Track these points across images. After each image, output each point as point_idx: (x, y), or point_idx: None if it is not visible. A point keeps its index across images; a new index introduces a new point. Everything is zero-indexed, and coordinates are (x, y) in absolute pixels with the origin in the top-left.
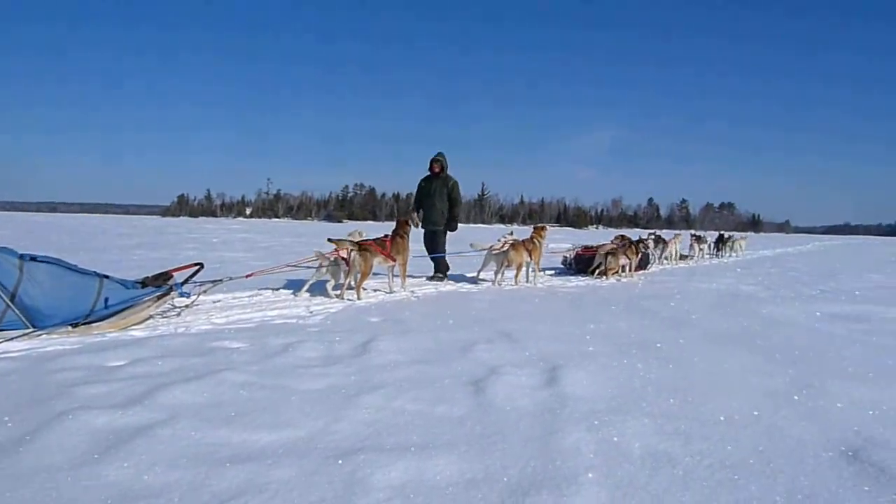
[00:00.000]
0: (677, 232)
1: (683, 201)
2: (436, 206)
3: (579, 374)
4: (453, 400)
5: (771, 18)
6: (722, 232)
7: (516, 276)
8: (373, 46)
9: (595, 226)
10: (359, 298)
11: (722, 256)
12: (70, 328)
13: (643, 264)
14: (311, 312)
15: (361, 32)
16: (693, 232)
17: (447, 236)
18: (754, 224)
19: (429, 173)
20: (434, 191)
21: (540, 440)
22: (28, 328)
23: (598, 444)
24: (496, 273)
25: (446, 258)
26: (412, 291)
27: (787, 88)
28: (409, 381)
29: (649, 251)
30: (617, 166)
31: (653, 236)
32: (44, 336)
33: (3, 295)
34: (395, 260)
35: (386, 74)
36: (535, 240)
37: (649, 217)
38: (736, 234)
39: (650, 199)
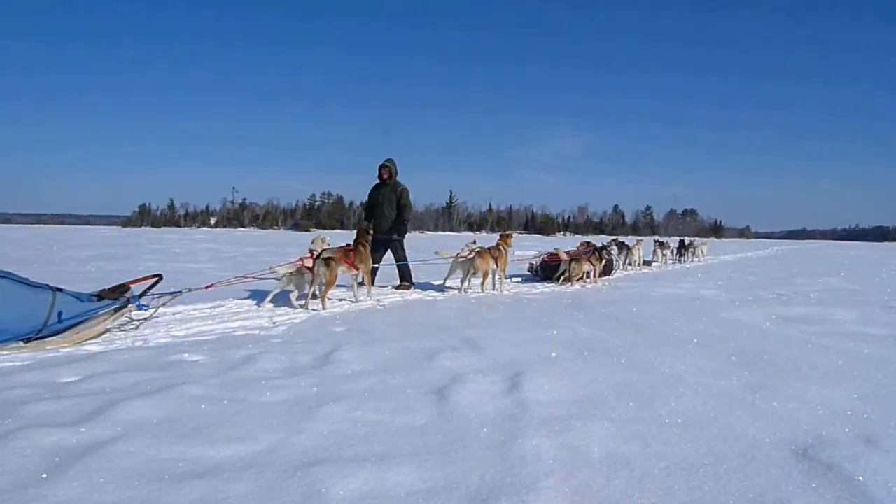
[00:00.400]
0: (639, 238)
1: (648, 208)
2: (385, 214)
3: (541, 380)
4: (415, 409)
5: (728, 22)
6: (684, 238)
7: (482, 283)
8: (338, 54)
9: (562, 233)
10: (323, 308)
11: (684, 262)
12: (21, 343)
13: (607, 270)
14: (274, 323)
15: (326, 40)
16: (657, 238)
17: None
18: (716, 230)
19: (378, 181)
20: (383, 198)
21: (500, 447)
22: None
23: (558, 449)
24: (462, 281)
25: (410, 270)
26: (378, 300)
27: (746, 94)
28: (372, 391)
29: (613, 257)
30: (583, 174)
31: (615, 243)
32: None
33: None
34: (357, 269)
35: (351, 82)
36: (500, 247)
37: (615, 223)
38: (697, 240)
39: (615, 206)
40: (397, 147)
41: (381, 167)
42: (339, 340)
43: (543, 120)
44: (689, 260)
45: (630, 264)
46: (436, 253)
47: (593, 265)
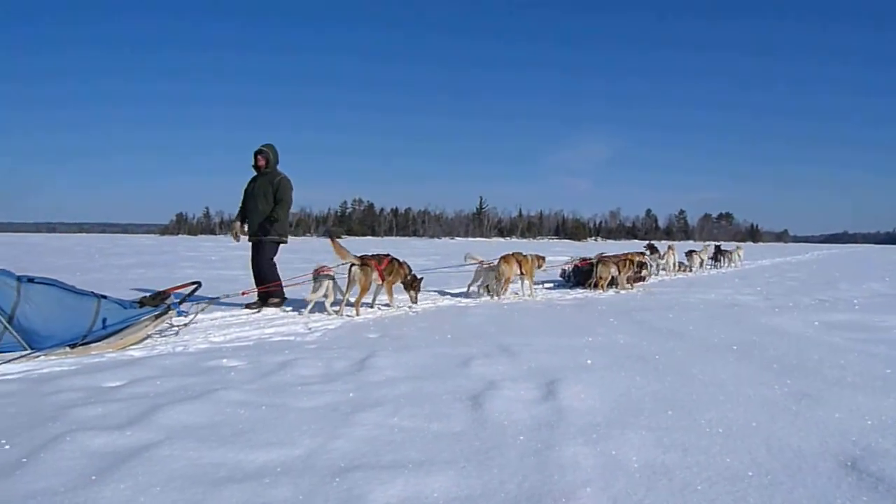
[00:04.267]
0: (670, 243)
1: (681, 212)
2: (258, 209)
3: (577, 388)
4: (451, 415)
5: (765, 27)
6: (719, 243)
7: (504, 288)
8: (368, 61)
9: (594, 238)
10: (357, 314)
11: (720, 267)
12: (68, 349)
13: (641, 277)
14: (310, 329)
15: (357, 47)
16: (691, 249)
17: (278, 248)
18: (752, 234)
19: (254, 172)
20: (257, 191)
21: (538, 454)
22: (26, 350)
23: (596, 457)
24: (488, 287)
25: (279, 279)
26: (409, 307)
27: (784, 97)
28: (407, 397)
29: (647, 263)
30: (615, 178)
31: (649, 247)
32: (41, 357)
33: (0, 317)
34: (383, 280)
35: (382, 89)
36: (529, 256)
37: (647, 228)
38: (732, 245)
39: (648, 211)
40: (427, 153)
41: (255, 153)
42: (373, 346)
43: (574, 124)
44: (726, 265)
45: (664, 269)
46: (465, 256)
47: (620, 269)
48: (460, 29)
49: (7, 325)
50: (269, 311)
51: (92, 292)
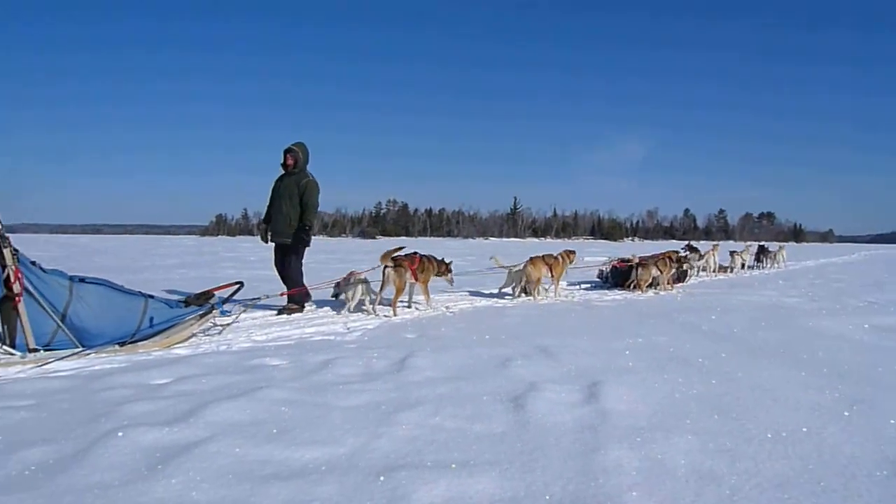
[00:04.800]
0: (715, 243)
1: (721, 212)
2: (283, 210)
3: (619, 390)
4: (492, 416)
5: (810, 28)
6: (763, 243)
7: (534, 290)
8: (401, 63)
9: (631, 238)
10: (394, 314)
11: (763, 268)
12: (117, 347)
13: (681, 277)
14: (349, 329)
15: (388, 49)
16: (733, 250)
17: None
18: (796, 234)
19: (282, 171)
20: (283, 191)
21: (581, 457)
22: (77, 347)
23: (641, 461)
24: (514, 288)
25: (305, 283)
26: (447, 307)
27: (827, 95)
28: (448, 397)
29: (687, 264)
30: (652, 177)
31: (688, 248)
32: (92, 355)
33: (53, 315)
34: (417, 279)
35: (416, 91)
36: (559, 256)
37: (686, 228)
38: (775, 245)
39: (686, 210)
40: (461, 154)
41: (285, 152)
42: (411, 347)
43: (610, 123)
44: (769, 266)
45: (704, 270)
46: (490, 258)
47: (661, 271)
48: (496, 30)
49: (60, 324)
50: (306, 311)
51: (140, 292)
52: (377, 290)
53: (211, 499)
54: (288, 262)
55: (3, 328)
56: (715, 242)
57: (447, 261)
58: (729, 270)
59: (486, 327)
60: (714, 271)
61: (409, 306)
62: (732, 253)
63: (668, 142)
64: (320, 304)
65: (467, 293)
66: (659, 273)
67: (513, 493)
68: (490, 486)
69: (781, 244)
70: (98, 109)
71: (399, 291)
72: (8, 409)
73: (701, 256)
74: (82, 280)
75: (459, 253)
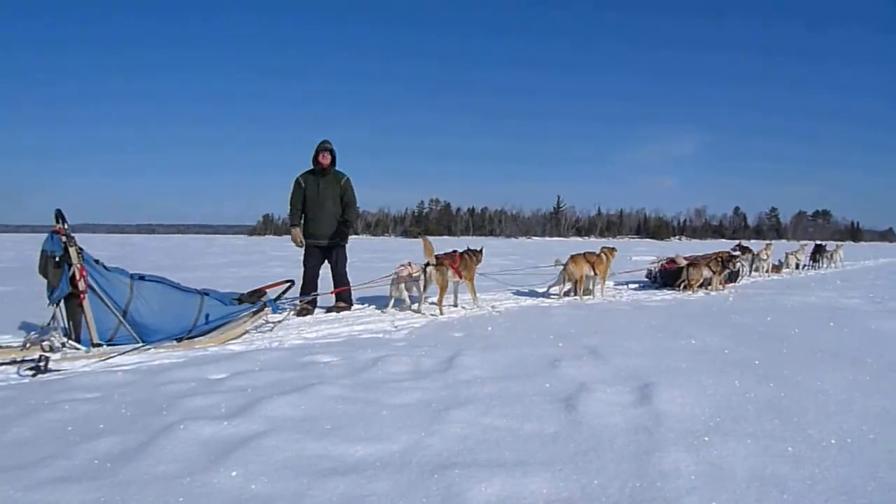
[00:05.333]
0: (768, 242)
1: (773, 210)
2: (330, 211)
3: (673, 392)
4: (543, 417)
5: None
6: (818, 242)
7: (578, 289)
8: (445, 63)
9: (678, 237)
10: (441, 313)
11: (819, 268)
12: (175, 343)
13: (733, 277)
14: (396, 327)
15: (432, 49)
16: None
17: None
18: (853, 232)
19: (313, 168)
20: (324, 192)
21: (636, 459)
22: (138, 343)
23: (699, 465)
24: (560, 287)
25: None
26: (493, 306)
27: (883, 90)
28: (497, 396)
29: (739, 264)
30: (700, 174)
31: (740, 247)
32: (152, 350)
33: (116, 312)
34: (461, 276)
35: (459, 90)
36: (602, 254)
37: (736, 227)
38: (832, 244)
39: (736, 209)
40: (503, 153)
41: (321, 150)
42: (459, 345)
43: (657, 120)
44: (825, 266)
45: (757, 270)
46: (556, 261)
47: (713, 271)
48: (538, 30)
49: (122, 320)
50: (354, 309)
51: (196, 290)
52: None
53: (270, 492)
54: (337, 261)
55: (69, 324)
56: (767, 241)
57: (478, 249)
58: (783, 270)
59: (532, 327)
60: (767, 271)
61: (455, 305)
62: (787, 254)
63: (718, 138)
64: (368, 302)
65: (512, 293)
66: (711, 273)
67: (568, 494)
68: (545, 487)
69: (839, 243)
70: (147, 112)
71: (443, 290)
72: (76, 402)
73: (754, 256)
74: (142, 278)
75: (502, 252)
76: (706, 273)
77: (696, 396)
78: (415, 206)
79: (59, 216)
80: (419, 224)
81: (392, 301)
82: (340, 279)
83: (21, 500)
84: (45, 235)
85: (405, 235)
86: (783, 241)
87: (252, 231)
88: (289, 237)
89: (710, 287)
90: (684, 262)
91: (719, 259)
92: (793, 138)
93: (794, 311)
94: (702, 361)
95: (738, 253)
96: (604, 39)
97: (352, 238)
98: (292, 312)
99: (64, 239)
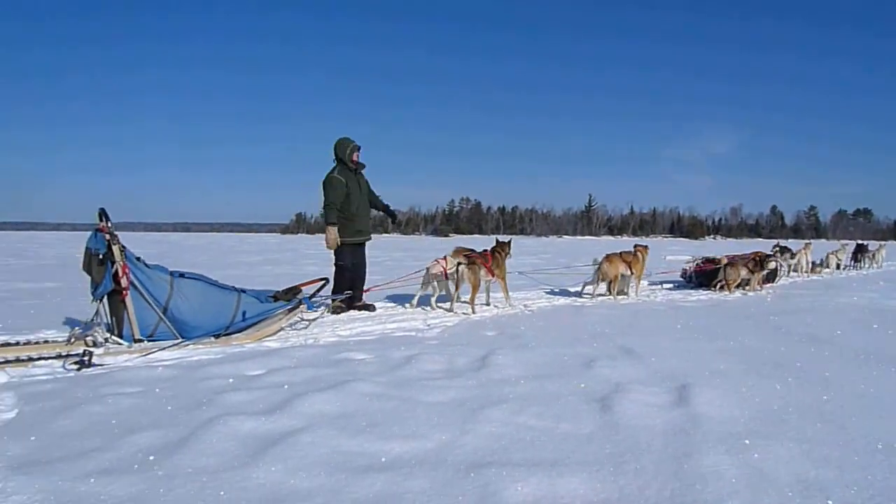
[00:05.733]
0: (807, 241)
1: (812, 208)
2: (368, 209)
3: (711, 394)
4: (579, 417)
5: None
6: (860, 241)
7: (612, 289)
8: (475, 60)
9: (712, 236)
10: (473, 312)
11: (860, 268)
12: (213, 339)
13: (770, 278)
14: (429, 325)
15: (464, 45)
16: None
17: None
18: None
19: (346, 166)
20: (363, 190)
21: (675, 462)
22: (177, 339)
23: (740, 468)
24: (593, 286)
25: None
26: (525, 305)
27: None
28: (532, 396)
29: (777, 263)
30: (736, 172)
31: (778, 247)
32: (190, 346)
33: (156, 308)
34: (493, 275)
35: (489, 88)
36: (638, 252)
37: (773, 226)
38: (875, 244)
39: (773, 207)
40: (534, 152)
41: (356, 148)
42: (492, 344)
43: (691, 117)
44: (867, 266)
45: (796, 271)
46: (594, 260)
47: (751, 271)
48: (572, 27)
49: (162, 316)
50: (387, 307)
51: (233, 287)
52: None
53: (309, 487)
54: (365, 260)
55: (111, 320)
56: (807, 241)
57: (506, 240)
58: (822, 270)
59: (566, 326)
60: (806, 272)
61: (487, 304)
62: (828, 253)
63: (754, 136)
64: (400, 300)
65: (545, 292)
66: (749, 273)
67: (606, 495)
68: (581, 487)
69: (881, 243)
70: (180, 120)
71: (475, 288)
72: (119, 395)
73: (793, 256)
74: (181, 275)
75: (533, 251)
76: (744, 273)
77: (736, 399)
78: (445, 204)
79: (103, 215)
80: (450, 223)
81: (417, 297)
82: (364, 276)
83: (71, 491)
84: (89, 233)
85: (436, 234)
86: (822, 240)
87: (285, 229)
88: (321, 235)
89: (747, 287)
90: (725, 261)
91: (757, 259)
92: (832, 135)
93: (835, 313)
94: (740, 363)
95: (776, 251)
96: (639, 37)
97: (383, 237)
98: (328, 310)
99: (107, 237)
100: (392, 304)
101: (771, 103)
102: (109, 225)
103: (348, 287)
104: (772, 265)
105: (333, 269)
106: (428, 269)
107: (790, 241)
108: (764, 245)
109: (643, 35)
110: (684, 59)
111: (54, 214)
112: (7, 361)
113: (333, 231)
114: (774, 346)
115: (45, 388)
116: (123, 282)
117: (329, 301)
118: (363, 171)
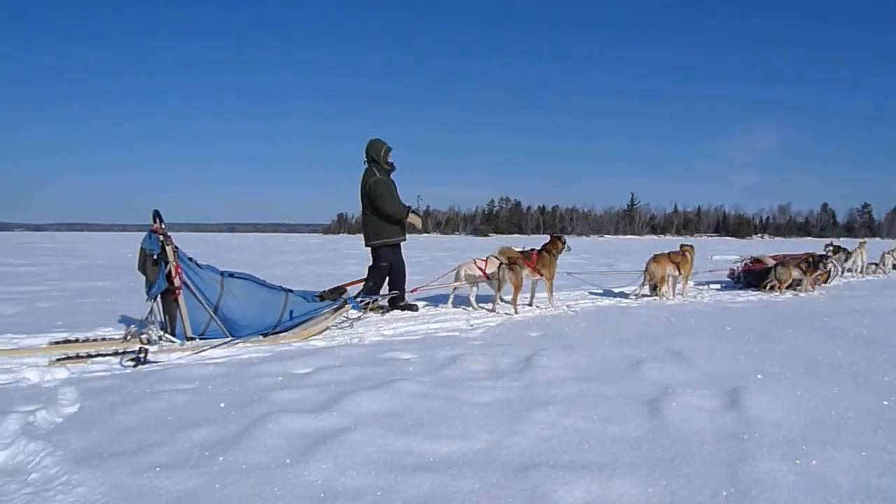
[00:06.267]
0: (862, 240)
1: (865, 206)
2: None
3: (764, 398)
4: (627, 420)
5: None
6: None
7: (659, 289)
8: (515, 60)
9: (760, 235)
10: (515, 312)
11: None
12: (261, 338)
13: (824, 278)
14: (471, 326)
15: (506, 46)
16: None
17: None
18: None
19: (383, 167)
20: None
21: (728, 467)
22: (227, 337)
23: (797, 475)
24: (640, 287)
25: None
26: (568, 306)
27: None
28: (579, 398)
29: (830, 263)
30: (784, 169)
31: (832, 247)
32: (240, 345)
33: (207, 307)
34: (541, 274)
35: (529, 88)
36: (685, 252)
37: (824, 224)
38: None
39: (824, 205)
40: (575, 150)
41: (390, 150)
42: (536, 345)
43: (737, 113)
44: None
45: (850, 270)
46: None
47: (804, 271)
48: (613, 26)
49: (213, 315)
50: (429, 307)
51: (281, 286)
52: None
53: (359, 485)
54: (403, 259)
55: (165, 318)
56: (861, 240)
57: (559, 235)
58: (879, 271)
59: (611, 327)
60: (861, 272)
61: (530, 304)
62: (884, 252)
63: (803, 131)
64: (442, 300)
65: (588, 292)
66: (802, 274)
67: (657, 499)
68: (632, 491)
69: None
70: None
71: (517, 289)
72: (173, 392)
73: (847, 256)
74: (231, 275)
75: (574, 251)
76: (795, 273)
77: (790, 403)
78: (485, 204)
79: (157, 216)
80: (489, 223)
81: (452, 297)
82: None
83: (131, 485)
84: (143, 234)
85: (475, 234)
86: (877, 238)
87: (327, 230)
88: (360, 235)
89: (799, 288)
90: (772, 262)
91: (809, 259)
92: (886, 130)
93: (893, 314)
94: (794, 366)
95: (829, 251)
96: (684, 39)
97: (422, 236)
98: (381, 311)
99: (161, 238)
100: (434, 304)
101: (820, 98)
102: (163, 226)
103: (391, 287)
104: (827, 265)
105: (372, 270)
106: (458, 270)
107: (842, 239)
108: (815, 244)
109: (689, 36)
110: (730, 58)
111: (104, 215)
112: (68, 358)
113: (414, 216)
114: (829, 348)
115: (104, 384)
116: (176, 281)
117: (377, 299)
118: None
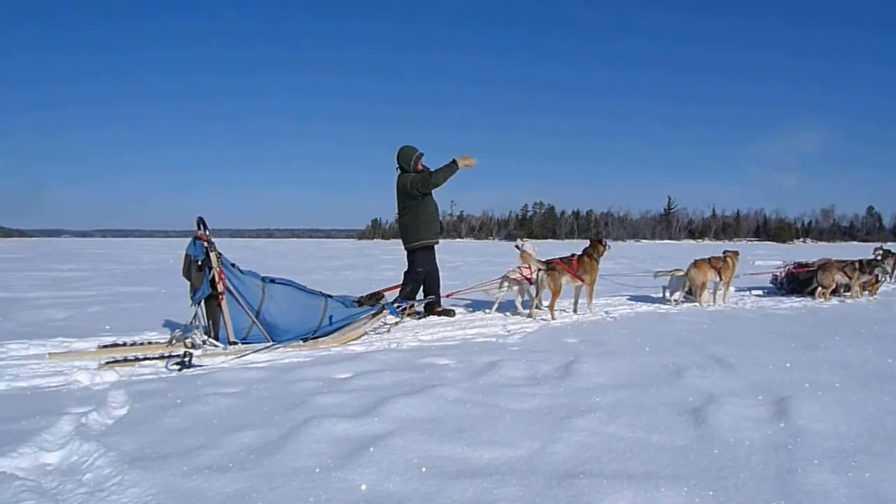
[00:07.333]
0: None
1: None
2: None
3: (813, 407)
4: (671, 428)
5: None
6: None
7: (699, 296)
8: (550, 65)
9: (802, 239)
10: (552, 318)
11: None
12: (301, 342)
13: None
14: (509, 332)
15: (539, 49)
16: None
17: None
18: None
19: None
20: None
21: (777, 479)
22: (268, 342)
23: (850, 487)
24: (679, 293)
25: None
26: (607, 312)
27: None
28: (621, 405)
29: (879, 268)
30: (828, 172)
31: (882, 251)
32: (280, 349)
33: (249, 312)
34: (581, 280)
35: (563, 92)
36: (727, 258)
37: (869, 228)
38: None
39: (870, 208)
40: (610, 154)
41: (421, 156)
42: (574, 351)
43: (779, 114)
44: None
45: None
46: (655, 274)
47: (849, 276)
48: (647, 30)
49: (255, 320)
50: (465, 312)
51: (320, 292)
52: (533, 292)
53: (403, 491)
54: (437, 264)
55: (208, 323)
56: None
57: (600, 238)
58: None
59: (650, 333)
60: None
61: (574, 310)
62: None
63: (850, 131)
64: (478, 305)
65: (626, 298)
66: (847, 279)
67: None
68: (678, 501)
69: None
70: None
71: (555, 295)
72: (218, 395)
73: None
74: (272, 280)
75: (611, 256)
76: (838, 277)
77: (840, 413)
78: (518, 209)
79: (201, 223)
80: (523, 227)
81: (496, 304)
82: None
83: (181, 486)
84: (187, 241)
85: (508, 239)
86: None
87: (361, 235)
88: (395, 240)
89: (847, 294)
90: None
91: (856, 264)
92: None
93: None
94: (842, 375)
95: (878, 255)
96: (727, 42)
97: (456, 241)
98: (418, 316)
99: (205, 244)
100: (471, 310)
101: (865, 100)
102: (207, 233)
103: (426, 293)
104: (876, 270)
105: (407, 275)
106: (506, 275)
107: (889, 244)
108: (861, 249)
109: (732, 40)
110: (773, 61)
111: (148, 222)
112: (116, 361)
113: (463, 159)
114: (879, 356)
115: (151, 387)
116: (220, 287)
117: (413, 304)
118: None
